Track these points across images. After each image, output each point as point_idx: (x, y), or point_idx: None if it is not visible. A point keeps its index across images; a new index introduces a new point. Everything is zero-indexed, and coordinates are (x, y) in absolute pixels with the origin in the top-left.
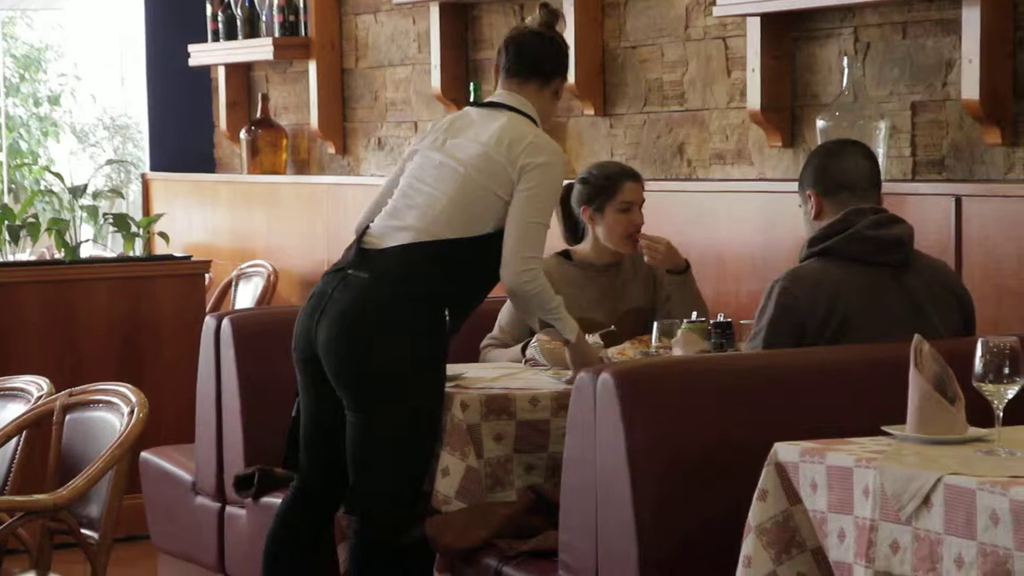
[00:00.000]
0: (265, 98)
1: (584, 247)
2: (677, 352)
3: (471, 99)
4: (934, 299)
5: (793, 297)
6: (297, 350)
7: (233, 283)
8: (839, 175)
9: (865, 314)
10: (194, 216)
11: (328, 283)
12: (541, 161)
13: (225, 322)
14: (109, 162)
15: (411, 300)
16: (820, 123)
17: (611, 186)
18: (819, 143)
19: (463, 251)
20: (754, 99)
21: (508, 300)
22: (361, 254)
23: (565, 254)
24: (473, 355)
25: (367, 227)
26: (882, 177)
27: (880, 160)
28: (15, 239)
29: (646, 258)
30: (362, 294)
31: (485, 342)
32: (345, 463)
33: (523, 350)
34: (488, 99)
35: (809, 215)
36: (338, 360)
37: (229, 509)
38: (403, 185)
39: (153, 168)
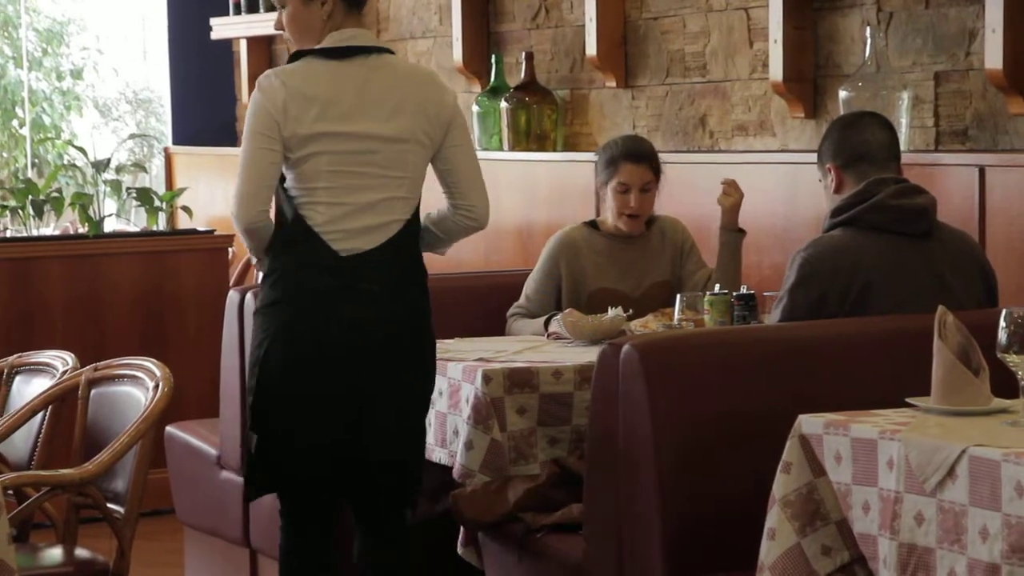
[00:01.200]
0: None
1: (608, 218)
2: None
3: (493, 72)
4: (957, 269)
5: (814, 267)
6: (312, 382)
7: None
8: (858, 147)
9: (887, 283)
10: (217, 190)
11: (338, 308)
12: (453, 93)
13: (248, 296)
14: (132, 136)
15: (425, 285)
16: (843, 94)
17: (611, 164)
18: (841, 114)
19: (418, 219)
20: (776, 70)
21: (535, 270)
22: (350, 263)
23: (592, 223)
24: (501, 325)
25: (312, 232)
26: (905, 147)
27: (903, 131)
28: (39, 214)
29: (718, 197)
30: (397, 306)
31: (512, 310)
32: (342, 470)
33: (546, 324)
34: (344, 44)
35: (829, 189)
36: (406, 375)
37: None
38: (339, 184)
39: (176, 142)
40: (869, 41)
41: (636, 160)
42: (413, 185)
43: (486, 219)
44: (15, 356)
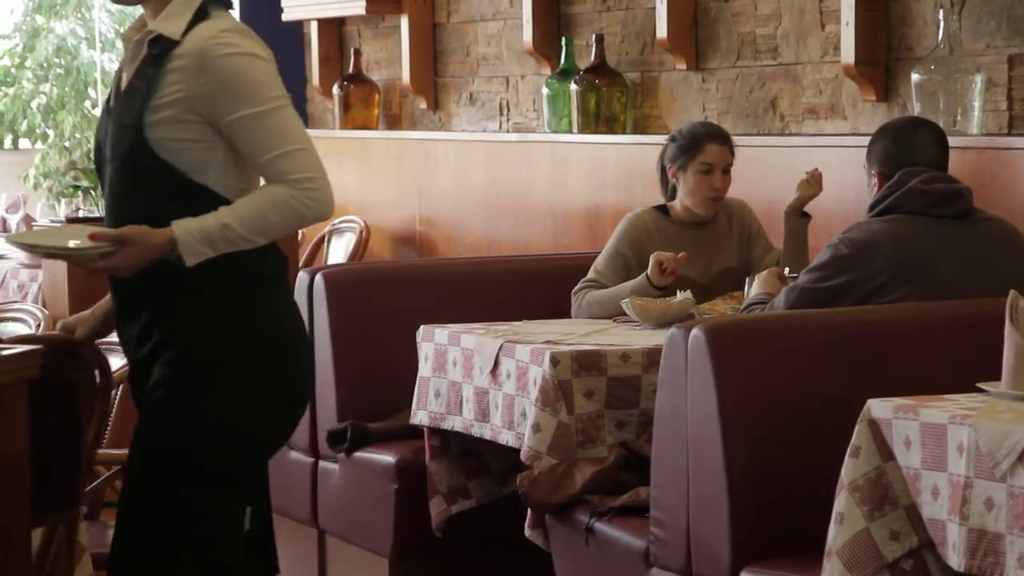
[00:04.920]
0: (357, 53)
1: (676, 204)
2: (756, 287)
3: (563, 55)
4: (998, 248)
5: (845, 247)
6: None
7: (325, 239)
8: (906, 162)
9: (927, 265)
10: None
11: None
12: None
13: (318, 277)
14: None
15: None
16: (915, 77)
17: (694, 146)
18: (915, 91)
19: None
20: (848, 53)
21: (605, 248)
22: None
23: (662, 209)
24: (569, 307)
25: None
26: (977, 131)
27: (975, 114)
28: None
29: (799, 182)
30: None
31: (580, 285)
32: None
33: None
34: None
35: (872, 190)
36: None
37: (322, 464)
38: None
39: None
40: (942, 23)
41: (721, 140)
42: None
43: None
44: None
